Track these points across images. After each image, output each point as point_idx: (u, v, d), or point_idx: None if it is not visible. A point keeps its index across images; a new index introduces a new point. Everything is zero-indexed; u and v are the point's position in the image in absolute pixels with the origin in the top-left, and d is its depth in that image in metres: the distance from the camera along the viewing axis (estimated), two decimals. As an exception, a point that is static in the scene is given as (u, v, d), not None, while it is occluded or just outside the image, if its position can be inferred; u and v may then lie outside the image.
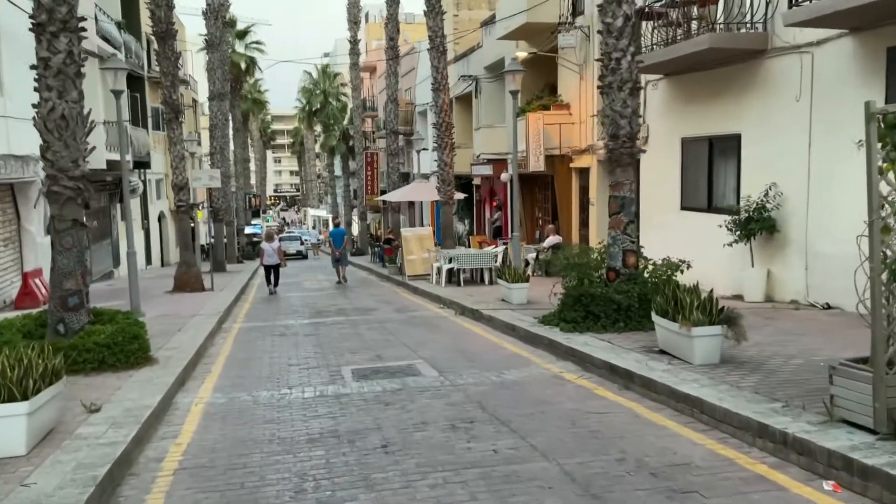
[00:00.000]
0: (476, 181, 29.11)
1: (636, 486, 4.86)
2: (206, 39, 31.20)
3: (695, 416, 6.24)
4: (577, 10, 19.07)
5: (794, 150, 11.41)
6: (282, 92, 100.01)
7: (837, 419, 5.22)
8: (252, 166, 69.74)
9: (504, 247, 19.11)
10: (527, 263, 17.95)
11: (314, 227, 72.13)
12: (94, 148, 9.51)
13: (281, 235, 41.24)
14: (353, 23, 39.75)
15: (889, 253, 4.88)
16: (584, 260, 10.72)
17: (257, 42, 51.36)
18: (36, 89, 8.62)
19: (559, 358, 9.07)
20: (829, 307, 10.75)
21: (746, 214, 11.91)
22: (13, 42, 14.60)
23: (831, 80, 10.69)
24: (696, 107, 14.00)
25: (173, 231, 32.61)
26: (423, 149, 29.62)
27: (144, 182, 29.29)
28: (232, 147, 43.82)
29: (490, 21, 24.97)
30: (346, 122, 59.38)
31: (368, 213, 43.35)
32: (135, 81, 26.29)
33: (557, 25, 19.28)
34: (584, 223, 19.43)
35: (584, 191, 19.40)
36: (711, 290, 7.76)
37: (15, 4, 14.53)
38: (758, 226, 11.77)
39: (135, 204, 26.13)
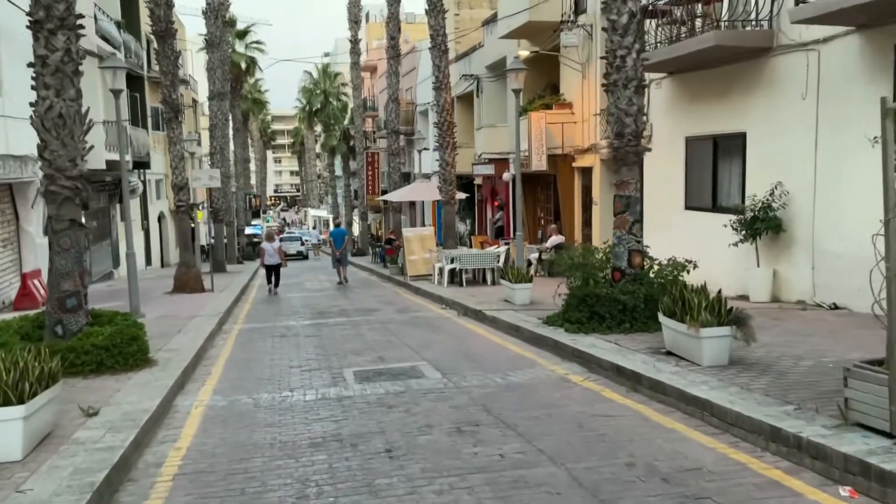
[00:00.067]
0: (478, 181, 29.01)
1: (647, 492, 4.74)
2: (206, 39, 31.15)
3: (705, 419, 6.12)
4: (579, 9, 18.97)
5: (800, 149, 11.29)
6: (282, 92, 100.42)
7: (852, 423, 5.10)
8: (252, 166, 69.69)
9: (506, 247, 19.00)
10: (529, 263, 17.84)
11: (314, 228, 72.08)
12: (92, 147, 9.41)
13: (281, 236, 41.17)
14: (354, 22, 39.79)
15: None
16: (589, 260, 10.60)
17: (257, 42, 51.47)
18: (33, 87, 8.52)
19: (564, 359, 8.95)
20: (836, 307, 10.63)
21: (752, 214, 11.80)
22: (12, 41, 14.51)
23: (838, 77, 10.58)
24: (701, 105, 13.88)
25: (173, 231, 32.50)
26: (425, 148, 29.54)
27: (144, 182, 29.20)
28: (232, 147, 43.77)
29: (491, 20, 24.87)
30: (346, 121, 59.32)
31: (369, 213, 43.30)
32: (134, 81, 26.18)
33: (560, 24, 19.20)
34: (587, 223, 19.33)
35: (586, 190, 19.30)
36: (720, 291, 7.64)
37: (14, 3, 14.40)
38: (763, 225, 11.65)
39: (134, 204, 26.07)
